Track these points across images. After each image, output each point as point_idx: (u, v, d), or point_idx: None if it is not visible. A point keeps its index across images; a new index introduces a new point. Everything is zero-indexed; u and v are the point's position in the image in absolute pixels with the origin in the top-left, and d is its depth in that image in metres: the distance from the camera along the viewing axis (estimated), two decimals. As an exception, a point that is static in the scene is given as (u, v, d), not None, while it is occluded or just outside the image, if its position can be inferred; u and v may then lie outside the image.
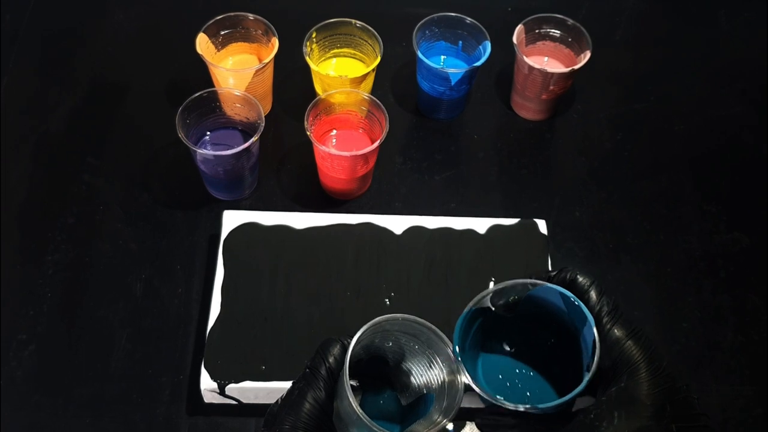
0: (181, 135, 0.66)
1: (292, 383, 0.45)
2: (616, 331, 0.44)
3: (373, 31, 0.75)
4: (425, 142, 0.79)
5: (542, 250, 0.67)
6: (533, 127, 0.81)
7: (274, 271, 0.64)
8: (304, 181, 0.75)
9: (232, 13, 0.74)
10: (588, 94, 0.84)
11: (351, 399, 0.41)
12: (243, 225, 0.66)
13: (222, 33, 0.75)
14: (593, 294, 0.45)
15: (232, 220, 0.67)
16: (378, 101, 0.69)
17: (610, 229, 0.74)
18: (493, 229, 0.68)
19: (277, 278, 0.64)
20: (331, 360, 0.44)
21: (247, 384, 0.59)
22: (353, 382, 0.48)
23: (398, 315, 0.44)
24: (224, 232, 0.66)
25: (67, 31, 0.85)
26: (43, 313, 0.66)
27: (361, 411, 0.41)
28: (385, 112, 0.68)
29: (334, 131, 0.73)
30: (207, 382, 0.59)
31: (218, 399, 0.61)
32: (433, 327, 0.45)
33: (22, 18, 0.85)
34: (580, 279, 0.46)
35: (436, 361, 0.47)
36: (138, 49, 0.85)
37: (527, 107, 0.80)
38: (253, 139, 0.66)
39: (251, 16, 0.75)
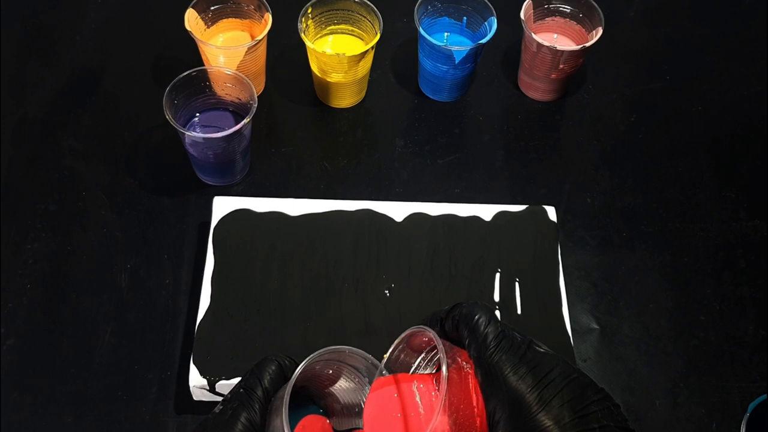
0: (168, 116, 0.66)
1: (223, 400, 0.46)
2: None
3: (372, 6, 0.74)
4: (427, 124, 0.79)
5: (551, 239, 0.67)
6: (542, 108, 0.81)
7: (268, 261, 0.64)
8: (299, 165, 0.75)
9: (222, -13, 0.75)
10: (600, 73, 0.83)
11: (286, 427, 0.42)
12: (234, 212, 0.66)
13: (212, 8, 0.75)
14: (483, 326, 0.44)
15: (222, 206, 0.66)
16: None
17: (623, 217, 0.73)
18: (500, 216, 0.67)
19: (270, 268, 0.63)
20: (267, 381, 0.45)
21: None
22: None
23: (344, 347, 0.46)
24: (214, 220, 0.66)
25: (47, 6, 0.85)
26: (22, 305, 0.65)
27: None
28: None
29: None
30: (196, 379, 0.58)
31: (208, 396, 0.60)
32: (376, 361, 0.47)
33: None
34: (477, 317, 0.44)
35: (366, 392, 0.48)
36: (123, 26, 0.84)
37: (536, 87, 0.79)
38: (245, 120, 0.66)
39: (243, -9, 0.75)
